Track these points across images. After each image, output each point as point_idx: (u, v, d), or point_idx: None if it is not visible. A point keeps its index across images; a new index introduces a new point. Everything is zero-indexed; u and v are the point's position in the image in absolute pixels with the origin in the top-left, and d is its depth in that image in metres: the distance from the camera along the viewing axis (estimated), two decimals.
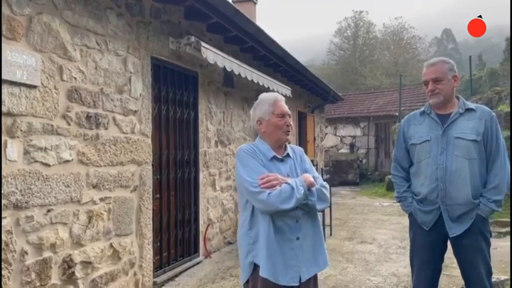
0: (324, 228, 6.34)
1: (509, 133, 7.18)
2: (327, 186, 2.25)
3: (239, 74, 5.42)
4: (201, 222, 5.30)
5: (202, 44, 4.53)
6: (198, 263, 5.09)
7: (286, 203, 2.01)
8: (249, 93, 6.80)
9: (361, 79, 27.44)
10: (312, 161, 10.56)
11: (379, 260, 5.21)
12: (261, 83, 6.17)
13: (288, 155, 2.27)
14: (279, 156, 2.22)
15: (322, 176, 6.75)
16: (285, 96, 7.31)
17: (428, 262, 2.64)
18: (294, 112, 9.54)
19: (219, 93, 5.84)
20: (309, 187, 2.11)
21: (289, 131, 2.24)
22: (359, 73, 28.02)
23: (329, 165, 15.09)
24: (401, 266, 4.86)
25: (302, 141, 10.40)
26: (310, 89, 10.29)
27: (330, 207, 6.95)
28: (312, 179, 2.15)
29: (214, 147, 5.68)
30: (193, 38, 4.54)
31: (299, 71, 8.18)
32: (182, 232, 4.98)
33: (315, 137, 11.62)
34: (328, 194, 2.22)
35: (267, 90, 6.71)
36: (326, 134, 16.25)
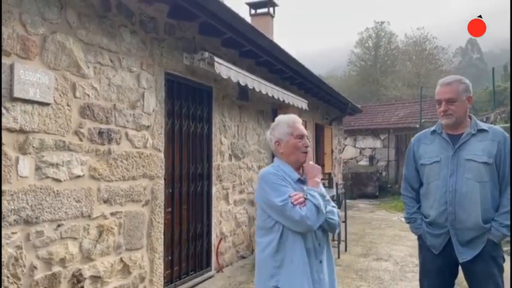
0: (338, 244, 6.26)
1: None
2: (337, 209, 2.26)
3: (253, 88, 5.43)
4: (213, 236, 5.29)
5: (216, 59, 4.56)
6: (210, 278, 5.07)
7: (318, 217, 2.02)
8: (264, 107, 6.80)
9: (382, 90, 27.16)
10: (329, 174, 10.33)
11: (394, 278, 5.08)
12: (276, 97, 6.15)
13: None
14: (302, 178, 2.24)
15: (337, 190, 6.66)
16: (301, 109, 7.29)
17: (438, 286, 2.56)
18: (311, 124, 9.47)
19: (234, 107, 5.86)
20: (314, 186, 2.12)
21: (306, 152, 2.25)
22: (380, 84, 27.76)
23: (347, 177, 14.91)
24: (417, 285, 4.69)
25: (319, 154, 10.30)
26: (327, 101, 10.22)
27: (345, 221, 6.84)
28: (318, 179, 2.17)
29: (228, 160, 5.68)
30: (206, 54, 4.58)
31: (316, 84, 8.13)
32: (194, 246, 4.98)
33: (332, 150, 11.50)
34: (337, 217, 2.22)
35: (283, 103, 6.69)
36: (345, 145, 16.08)
